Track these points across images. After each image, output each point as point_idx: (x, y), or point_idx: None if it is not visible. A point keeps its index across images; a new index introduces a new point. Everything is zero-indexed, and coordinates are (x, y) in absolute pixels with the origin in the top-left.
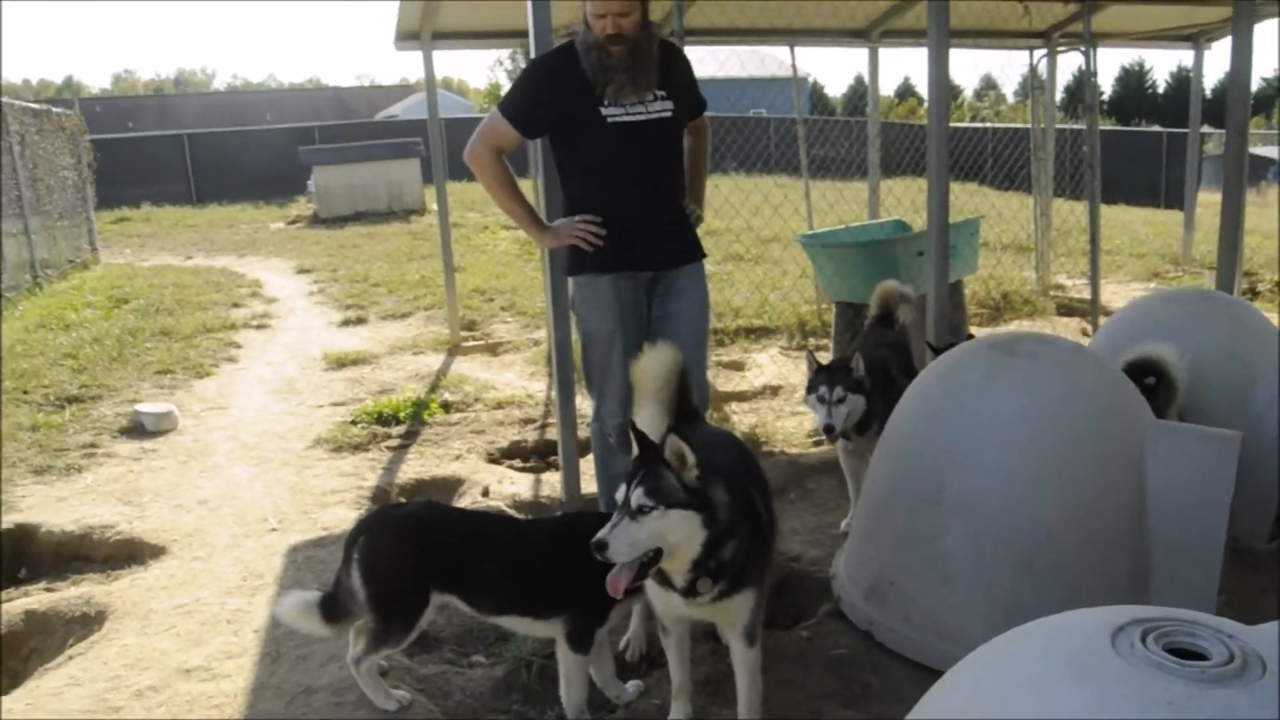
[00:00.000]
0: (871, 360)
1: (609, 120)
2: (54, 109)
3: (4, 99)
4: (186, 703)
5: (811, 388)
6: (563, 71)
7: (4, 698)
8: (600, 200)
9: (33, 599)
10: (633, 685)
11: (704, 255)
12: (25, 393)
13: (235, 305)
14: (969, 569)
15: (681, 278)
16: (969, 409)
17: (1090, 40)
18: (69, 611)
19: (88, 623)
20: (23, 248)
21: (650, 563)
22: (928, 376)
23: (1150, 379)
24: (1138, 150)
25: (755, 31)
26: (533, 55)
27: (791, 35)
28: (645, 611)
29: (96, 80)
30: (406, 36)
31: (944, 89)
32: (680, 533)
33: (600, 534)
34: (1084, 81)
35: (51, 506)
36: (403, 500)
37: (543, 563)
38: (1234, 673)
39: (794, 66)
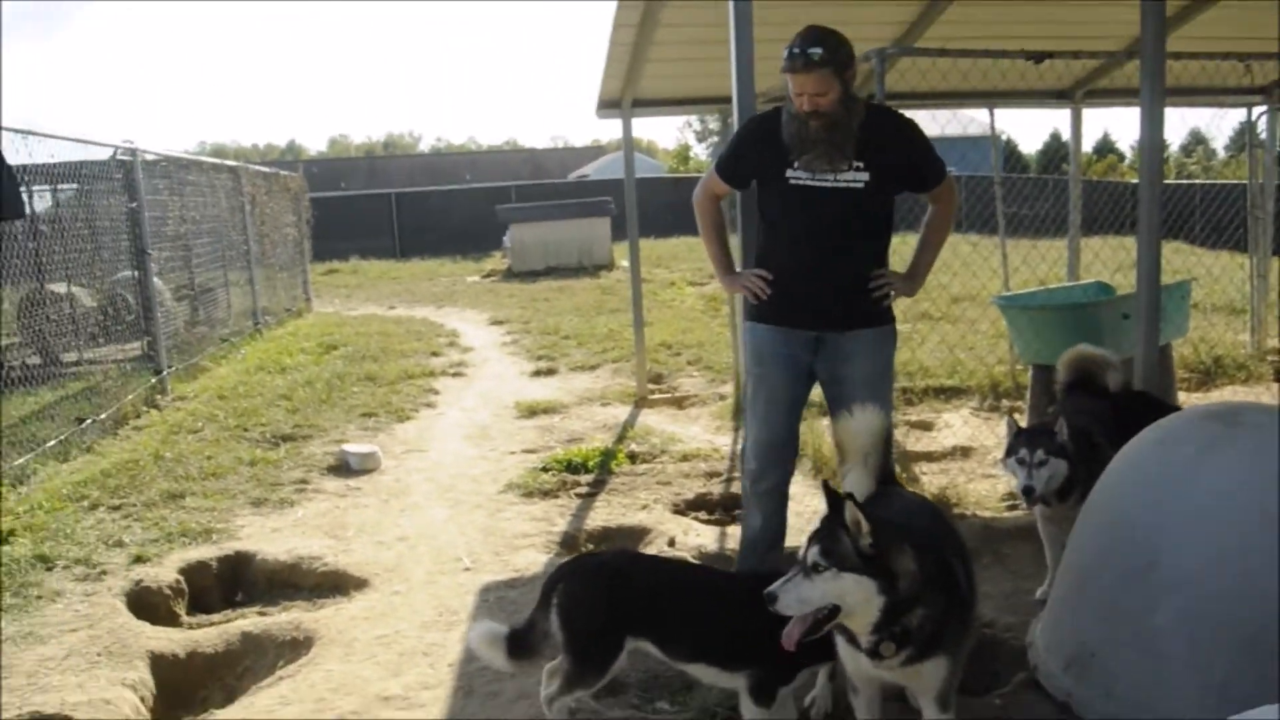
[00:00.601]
0: (1074, 426)
1: (791, 182)
2: (280, 171)
3: (238, 163)
4: None
5: (1011, 450)
6: (766, 132)
7: (220, 712)
8: (777, 256)
9: (248, 621)
10: None
11: (882, 323)
12: (245, 430)
13: (434, 354)
14: (1182, 647)
15: (851, 342)
16: (1186, 480)
17: None
18: (280, 635)
19: (296, 647)
20: (247, 296)
21: (825, 620)
22: (1139, 445)
23: None
24: None
25: (955, 94)
26: (735, 120)
27: (991, 98)
28: (832, 671)
29: (315, 144)
30: (608, 105)
31: (1157, 150)
32: (854, 596)
33: (774, 586)
34: None
35: (266, 536)
36: (591, 547)
37: (732, 615)
38: None
39: (992, 126)
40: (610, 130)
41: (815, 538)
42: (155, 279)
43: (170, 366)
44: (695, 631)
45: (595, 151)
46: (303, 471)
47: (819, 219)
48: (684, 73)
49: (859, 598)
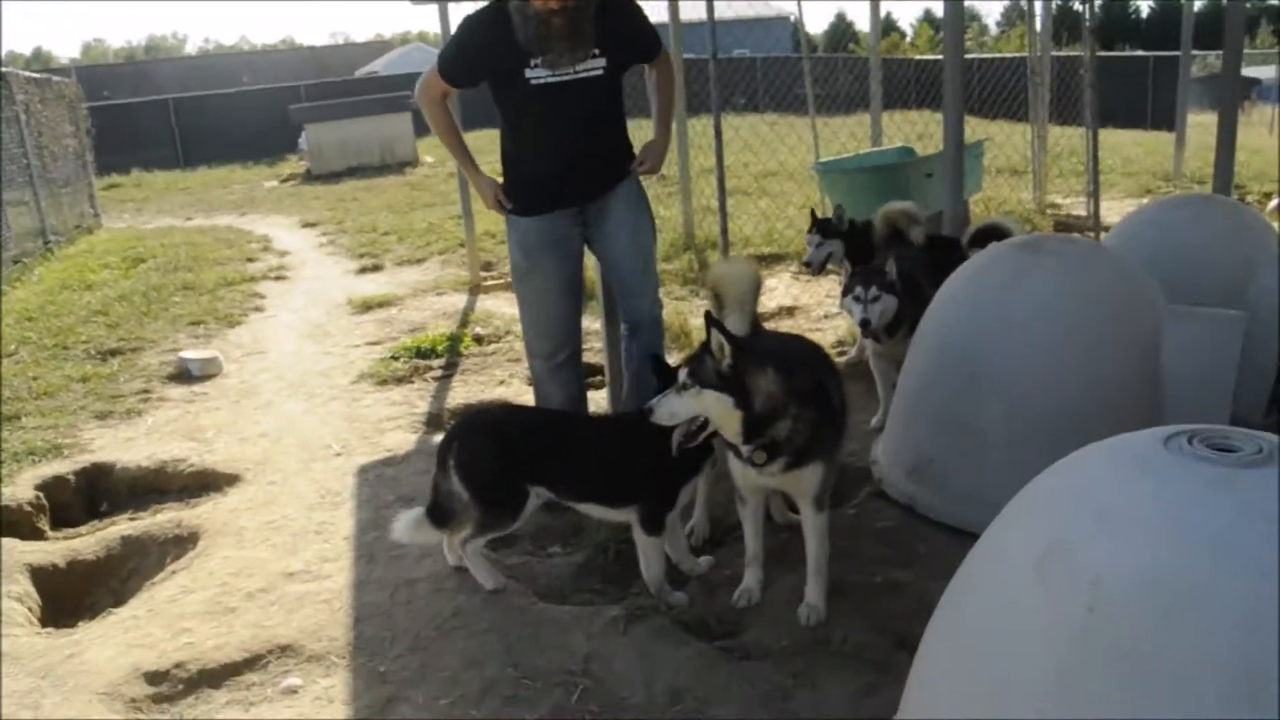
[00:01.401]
0: (899, 269)
1: (532, 82)
2: (53, 78)
3: (8, 69)
4: (296, 599)
5: (848, 289)
6: (492, 30)
7: (121, 609)
8: (526, 157)
9: (124, 526)
10: (704, 559)
11: (627, 175)
12: (66, 348)
13: (249, 260)
14: (1001, 443)
15: (607, 201)
16: (1001, 301)
17: None
18: (161, 534)
19: (182, 543)
20: (31, 215)
21: (698, 430)
22: (961, 275)
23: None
24: (1124, 74)
25: None
26: None
27: None
28: (706, 500)
29: (65, 50)
30: None
31: (959, 22)
32: (715, 410)
33: (652, 401)
34: (1078, 12)
35: (120, 446)
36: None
37: (617, 454)
38: (1262, 459)
39: (800, 8)
40: (393, 24)
41: (687, 360)
42: None
43: None
44: (586, 473)
45: (381, 46)
46: (142, 382)
47: (563, 113)
48: None
49: (719, 411)
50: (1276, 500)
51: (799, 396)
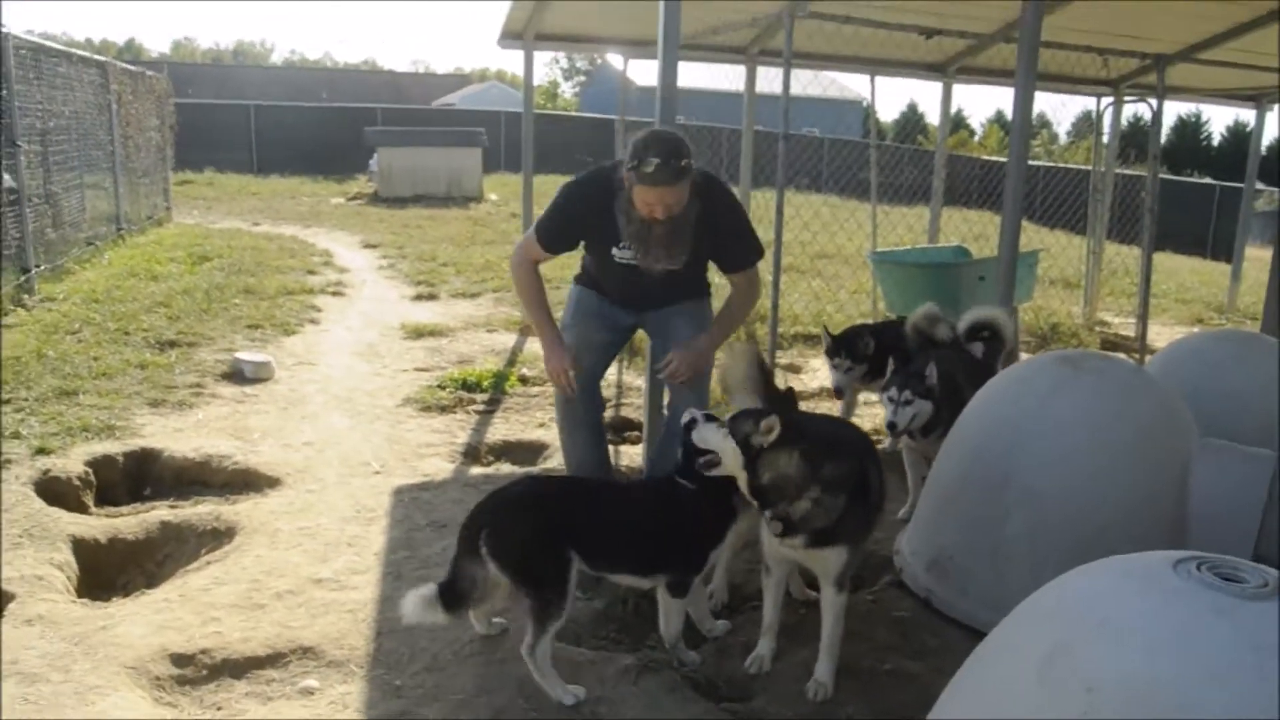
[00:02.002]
0: (942, 371)
1: (617, 260)
2: (146, 71)
3: (106, 59)
4: (322, 606)
5: (886, 386)
6: (593, 206)
7: (154, 591)
8: (603, 288)
9: (165, 512)
10: (721, 623)
11: (701, 296)
12: (127, 333)
13: (310, 272)
14: (1024, 552)
15: (671, 307)
16: (1036, 413)
17: (1161, 92)
18: (200, 525)
19: (218, 536)
20: (108, 200)
21: (709, 465)
22: (1000, 383)
23: (985, 333)
24: (1189, 200)
25: (839, 58)
26: (660, 59)
27: (874, 65)
28: (727, 567)
29: (156, 44)
30: (511, 35)
31: (1026, 126)
32: (727, 457)
33: (699, 414)
34: (1148, 131)
35: (170, 435)
36: (492, 459)
37: (653, 524)
38: (1266, 593)
39: (872, 95)
40: (474, 60)
41: (741, 410)
42: (14, 175)
43: (37, 265)
44: (621, 542)
45: (459, 80)
46: (196, 376)
47: (644, 281)
48: (591, 11)
49: (730, 460)
50: (1276, 634)
51: (823, 482)
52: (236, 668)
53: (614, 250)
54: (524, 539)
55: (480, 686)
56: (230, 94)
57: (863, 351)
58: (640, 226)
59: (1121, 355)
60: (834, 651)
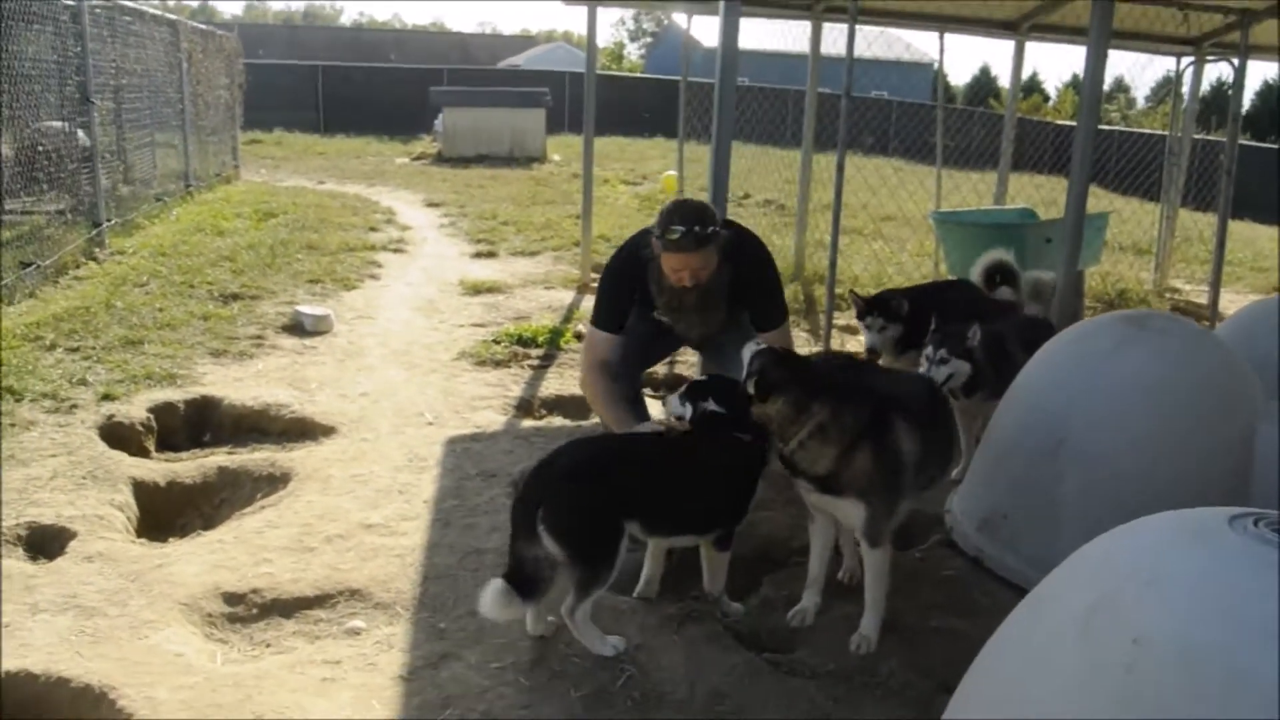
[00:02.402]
0: (988, 332)
1: (657, 317)
2: (216, 30)
3: (177, 18)
4: (371, 550)
5: (925, 344)
6: (632, 280)
7: (210, 532)
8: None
9: (222, 458)
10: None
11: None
12: (192, 286)
13: (372, 229)
14: (1077, 513)
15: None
16: (1097, 372)
17: (1244, 51)
18: (256, 471)
19: (273, 481)
20: (177, 157)
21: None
22: (1059, 341)
23: (998, 277)
24: (1272, 167)
25: (907, 15)
26: (721, 14)
27: (944, 22)
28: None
29: (229, 8)
30: None
31: (1097, 86)
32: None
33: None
34: (1228, 92)
35: (229, 384)
36: (544, 412)
37: (707, 481)
38: None
39: (941, 51)
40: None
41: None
42: (88, 132)
43: (109, 220)
44: (679, 505)
45: (524, 41)
46: (257, 328)
47: (682, 334)
48: None
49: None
50: None
51: (815, 427)
52: (286, 607)
53: (654, 313)
54: (583, 514)
55: (522, 631)
56: (300, 55)
57: (896, 311)
58: (672, 295)
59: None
60: (878, 607)
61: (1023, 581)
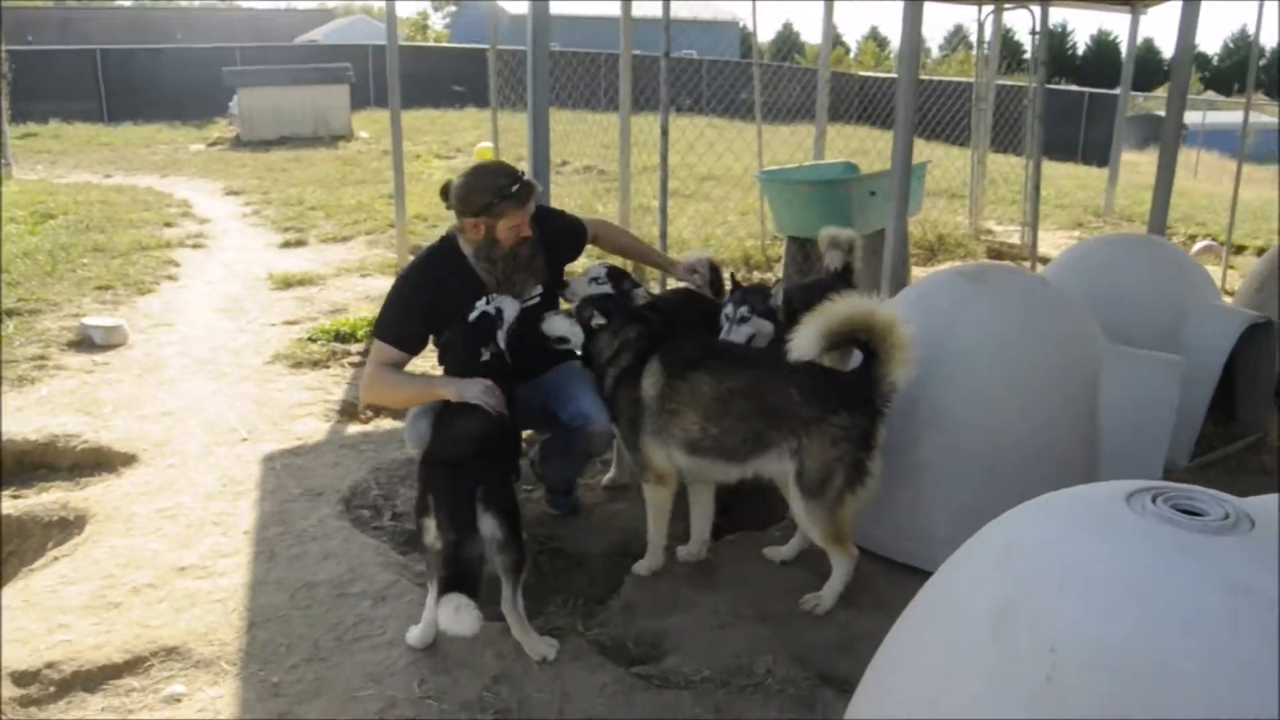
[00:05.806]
0: (791, 298)
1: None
2: None
3: None
4: (186, 597)
5: (725, 304)
6: (437, 286)
7: None
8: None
9: (6, 504)
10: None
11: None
12: None
13: (167, 224)
14: (936, 474)
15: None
16: (940, 330)
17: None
18: (45, 516)
19: (66, 527)
20: None
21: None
22: (899, 303)
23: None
24: (1059, 109)
25: None
26: None
27: None
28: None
29: None
30: None
31: (915, 41)
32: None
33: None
34: (1019, 42)
35: (9, 416)
36: (370, 413)
37: None
38: (1230, 526)
39: (754, 14)
40: None
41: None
42: None
43: None
44: None
45: (323, 15)
46: (39, 348)
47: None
48: None
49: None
50: (1244, 572)
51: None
52: (90, 679)
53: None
54: (510, 484)
55: (368, 675)
56: (75, 40)
57: (767, 307)
58: (509, 257)
59: (1011, 264)
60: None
61: (886, 552)
